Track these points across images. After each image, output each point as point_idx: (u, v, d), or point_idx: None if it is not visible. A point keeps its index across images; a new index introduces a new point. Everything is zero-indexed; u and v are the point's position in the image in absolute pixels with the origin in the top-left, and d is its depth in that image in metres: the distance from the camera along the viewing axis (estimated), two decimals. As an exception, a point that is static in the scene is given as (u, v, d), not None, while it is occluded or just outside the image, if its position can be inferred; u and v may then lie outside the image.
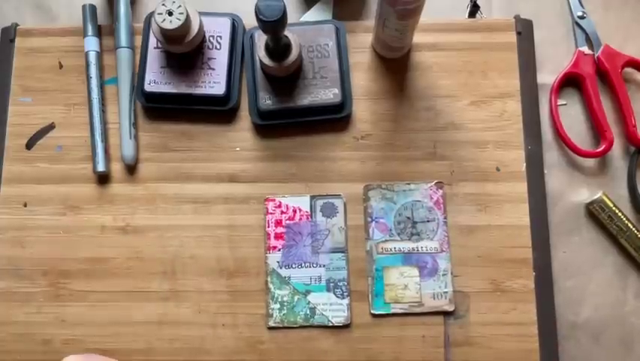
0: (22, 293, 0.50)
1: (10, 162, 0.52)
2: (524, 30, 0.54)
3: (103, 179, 0.52)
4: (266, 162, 0.52)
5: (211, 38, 0.52)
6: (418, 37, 0.53)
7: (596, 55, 0.54)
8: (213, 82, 0.51)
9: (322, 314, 0.49)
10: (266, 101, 0.51)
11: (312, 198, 0.51)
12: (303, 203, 0.51)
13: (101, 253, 0.51)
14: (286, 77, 0.51)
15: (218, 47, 0.52)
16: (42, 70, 0.54)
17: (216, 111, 0.52)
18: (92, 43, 0.53)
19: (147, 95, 0.52)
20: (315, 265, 0.50)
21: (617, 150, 0.53)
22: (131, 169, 0.52)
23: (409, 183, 0.51)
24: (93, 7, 0.54)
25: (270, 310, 0.49)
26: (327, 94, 0.51)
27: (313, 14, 0.56)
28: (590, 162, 0.53)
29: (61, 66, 0.54)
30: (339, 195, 0.51)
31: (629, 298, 0.51)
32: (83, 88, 0.53)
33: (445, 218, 0.51)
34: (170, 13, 0.47)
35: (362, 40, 0.54)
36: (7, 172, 0.52)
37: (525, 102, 0.53)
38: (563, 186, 0.53)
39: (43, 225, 0.51)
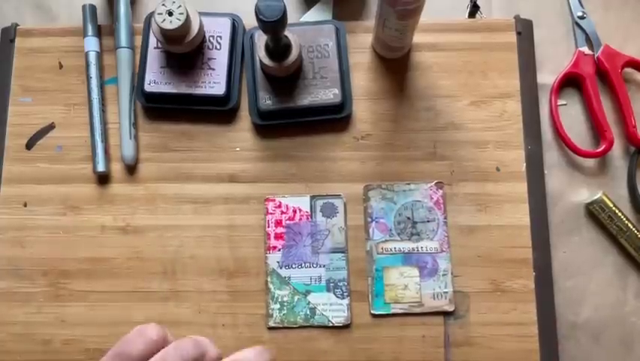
0: (22, 293, 0.50)
1: (10, 162, 0.52)
2: (524, 30, 0.54)
3: (103, 179, 0.52)
4: (266, 162, 0.52)
5: (211, 38, 0.52)
6: (418, 37, 0.53)
7: (596, 55, 0.54)
8: (213, 82, 0.51)
9: (322, 314, 0.49)
10: (266, 101, 0.51)
11: (312, 198, 0.51)
12: (303, 203, 0.51)
13: (101, 253, 0.51)
14: (286, 77, 0.51)
15: (218, 47, 0.52)
16: (42, 70, 0.54)
17: (216, 111, 0.52)
18: (92, 44, 0.53)
19: (147, 95, 0.52)
20: (315, 266, 0.50)
21: (617, 150, 0.53)
22: (131, 169, 0.52)
23: (409, 183, 0.51)
24: (93, 7, 0.54)
25: (270, 311, 0.49)
26: (327, 94, 0.51)
27: (313, 14, 0.56)
28: (590, 162, 0.53)
29: (61, 66, 0.54)
30: (339, 195, 0.51)
31: (629, 298, 0.51)
32: (83, 88, 0.53)
33: (445, 218, 0.51)
34: (170, 13, 0.47)
35: (362, 41, 0.54)
36: (7, 172, 0.52)
37: (525, 102, 0.52)
38: (563, 186, 0.53)
39: (43, 225, 0.51)
